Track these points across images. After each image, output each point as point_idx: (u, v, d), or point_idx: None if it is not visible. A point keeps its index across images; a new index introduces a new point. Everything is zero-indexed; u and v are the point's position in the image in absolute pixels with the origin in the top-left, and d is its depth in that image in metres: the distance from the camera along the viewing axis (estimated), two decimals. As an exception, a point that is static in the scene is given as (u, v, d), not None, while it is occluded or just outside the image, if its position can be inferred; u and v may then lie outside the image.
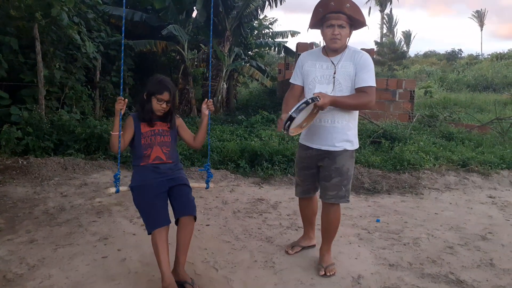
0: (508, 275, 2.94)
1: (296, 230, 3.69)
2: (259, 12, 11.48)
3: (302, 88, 2.87)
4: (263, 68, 12.38)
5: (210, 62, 3.25)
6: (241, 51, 11.76)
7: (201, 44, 12.28)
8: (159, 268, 2.49)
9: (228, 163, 5.78)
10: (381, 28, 51.88)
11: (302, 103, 2.42)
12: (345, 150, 2.76)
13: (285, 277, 2.83)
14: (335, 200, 2.80)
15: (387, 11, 51.11)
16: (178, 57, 11.78)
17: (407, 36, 50.85)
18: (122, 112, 2.57)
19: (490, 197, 4.97)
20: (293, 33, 13.43)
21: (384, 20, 51.66)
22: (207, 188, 2.91)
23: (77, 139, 6.18)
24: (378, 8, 50.70)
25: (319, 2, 2.68)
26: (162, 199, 2.59)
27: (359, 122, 7.69)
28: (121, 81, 2.70)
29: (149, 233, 2.53)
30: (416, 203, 4.67)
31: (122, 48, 2.68)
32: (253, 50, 13.56)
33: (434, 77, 22.78)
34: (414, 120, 8.29)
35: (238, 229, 3.69)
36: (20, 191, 4.58)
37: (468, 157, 5.98)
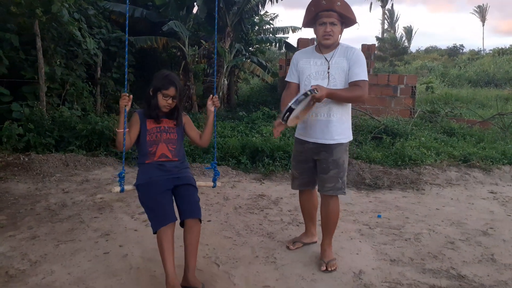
0: (510, 270, 2.95)
1: (297, 226, 3.70)
2: (260, 7, 11.42)
3: (298, 85, 2.94)
4: (264, 64, 12.33)
5: (216, 57, 3.22)
6: (242, 47, 11.72)
7: (202, 40, 12.24)
8: (164, 268, 2.43)
9: (229, 159, 5.79)
10: (382, 23, 51.70)
11: (301, 95, 2.52)
12: (341, 143, 2.85)
13: (286, 272, 2.83)
14: (333, 192, 2.87)
15: (388, 6, 50.93)
16: (179, 53, 11.74)
17: (409, 31, 50.65)
18: (127, 108, 2.51)
19: (492, 192, 4.97)
20: (294, 29, 13.37)
21: (386, 16, 51.46)
22: (214, 186, 2.85)
23: (78, 135, 6.18)
24: (379, 3, 50.48)
25: (311, 1, 2.79)
26: (167, 197, 2.54)
27: (360, 118, 7.64)
28: (126, 76, 2.64)
29: (154, 232, 2.46)
30: (418, 198, 4.67)
31: (126, 43, 2.63)
32: (254, 46, 13.50)
33: (436, 73, 22.69)
34: (416, 115, 8.27)
35: (240, 225, 3.70)
36: (22, 188, 4.59)
37: (469, 153, 5.97)
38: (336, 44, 2.81)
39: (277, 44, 12.61)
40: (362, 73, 2.75)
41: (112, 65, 9.19)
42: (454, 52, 39.27)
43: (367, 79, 2.76)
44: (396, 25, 51.80)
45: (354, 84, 2.74)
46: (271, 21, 15.43)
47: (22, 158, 5.35)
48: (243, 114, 8.93)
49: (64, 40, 7.46)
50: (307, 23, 2.86)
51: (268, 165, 5.55)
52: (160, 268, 2.51)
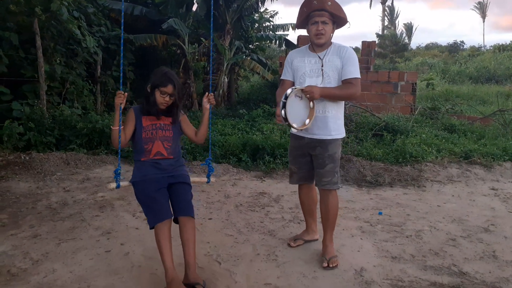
0: (511, 266, 2.94)
1: (299, 223, 3.70)
2: (260, 5, 11.40)
3: (292, 83, 3.04)
4: (264, 61, 12.30)
5: (211, 55, 3.25)
6: (242, 45, 11.70)
7: (201, 38, 12.21)
8: (163, 263, 2.47)
9: (230, 157, 5.78)
10: (383, 20, 51.57)
11: (288, 90, 2.69)
12: (336, 139, 2.95)
13: (287, 270, 2.84)
14: (330, 186, 2.94)
15: (388, 3, 50.79)
16: (178, 51, 11.72)
17: (409, 28, 50.50)
18: (122, 106, 2.55)
19: (493, 189, 4.96)
20: (294, 26, 13.33)
21: (386, 13, 51.31)
22: (208, 182, 2.92)
23: (79, 134, 6.18)
24: (379, 0, 50.37)
25: (303, 2, 2.90)
26: (163, 194, 2.59)
27: (361, 115, 7.63)
28: (121, 75, 2.67)
29: (151, 228, 2.52)
30: (419, 195, 4.67)
31: (122, 41, 2.66)
32: (254, 44, 13.47)
33: (436, 69, 22.64)
34: (416, 112, 8.25)
35: (241, 223, 3.70)
36: (23, 187, 4.59)
37: (470, 149, 5.96)
38: (328, 44, 2.93)
39: (277, 41, 12.58)
40: (355, 71, 2.86)
41: (112, 63, 9.17)
42: (454, 48, 39.16)
43: (360, 77, 2.88)
44: (396, 21, 51.73)
45: (347, 82, 2.85)
46: (271, 19, 15.37)
47: (23, 157, 5.35)
48: (243, 112, 8.92)
49: (64, 38, 7.44)
50: (300, 24, 2.99)
51: (269, 162, 5.55)
52: (161, 266, 2.52)
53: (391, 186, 4.99)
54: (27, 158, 5.34)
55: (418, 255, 3.11)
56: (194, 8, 11.11)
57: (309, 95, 2.72)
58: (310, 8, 2.83)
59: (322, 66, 2.88)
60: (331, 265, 2.85)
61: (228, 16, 10.84)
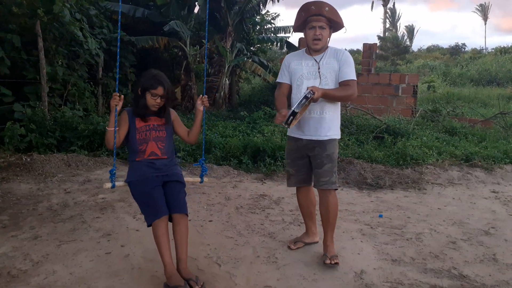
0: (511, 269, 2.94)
1: (299, 225, 3.70)
2: (261, 7, 11.42)
3: (290, 86, 3.08)
4: (266, 63, 12.32)
5: (206, 57, 3.29)
6: (243, 47, 11.72)
7: (203, 40, 12.24)
8: (161, 259, 2.53)
9: (230, 159, 5.79)
10: (384, 22, 51.60)
11: (303, 99, 2.66)
12: (333, 139, 2.99)
13: (287, 272, 2.84)
14: (328, 185, 2.96)
15: (390, 5, 50.84)
16: (180, 53, 11.75)
17: (410, 30, 50.54)
18: (118, 108, 2.59)
19: (494, 192, 4.96)
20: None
21: (387, 15, 51.35)
22: (201, 182, 2.98)
23: (80, 135, 6.20)
24: (381, 2, 50.41)
25: (301, 7, 2.96)
26: (158, 192, 2.64)
27: (362, 118, 7.63)
28: (117, 76, 2.71)
29: (148, 225, 2.58)
30: (419, 198, 4.67)
31: (118, 44, 2.72)
32: (255, 46, 13.50)
33: (438, 72, 22.64)
34: (417, 115, 8.25)
35: (241, 225, 3.70)
36: (24, 188, 4.60)
37: (471, 152, 5.96)
38: (325, 48, 2.99)
39: (279, 43, 12.61)
40: (351, 73, 2.92)
41: (114, 65, 9.20)
42: (456, 51, 39.12)
43: (356, 79, 2.95)
44: (398, 24, 51.72)
45: (344, 84, 2.91)
46: (272, 21, 15.41)
47: (24, 159, 5.36)
48: (244, 114, 8.93)
49: (66, 40, 7.47)
50: (297, 28, 3.05)
51: (269, 165, 5.55)
52: (162, 268, 2.53)
53: (392, 189, 4.99)
54: (28, 159, 5.36)
55: (418, 258, 3.10)
56: (196, 10, 11.15)
57: (313, 99, 2.73)
58: (308, 13, 2.89)
59: (319, 68, 2.93)
60: (332, 262, 2.84)
61: (230, 18, 10.86)
